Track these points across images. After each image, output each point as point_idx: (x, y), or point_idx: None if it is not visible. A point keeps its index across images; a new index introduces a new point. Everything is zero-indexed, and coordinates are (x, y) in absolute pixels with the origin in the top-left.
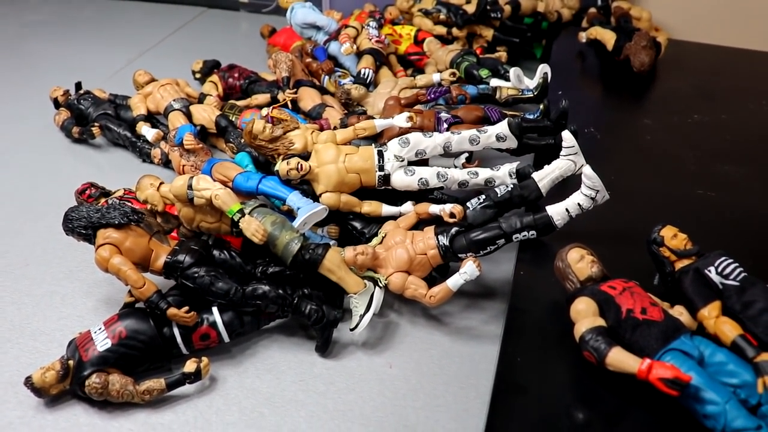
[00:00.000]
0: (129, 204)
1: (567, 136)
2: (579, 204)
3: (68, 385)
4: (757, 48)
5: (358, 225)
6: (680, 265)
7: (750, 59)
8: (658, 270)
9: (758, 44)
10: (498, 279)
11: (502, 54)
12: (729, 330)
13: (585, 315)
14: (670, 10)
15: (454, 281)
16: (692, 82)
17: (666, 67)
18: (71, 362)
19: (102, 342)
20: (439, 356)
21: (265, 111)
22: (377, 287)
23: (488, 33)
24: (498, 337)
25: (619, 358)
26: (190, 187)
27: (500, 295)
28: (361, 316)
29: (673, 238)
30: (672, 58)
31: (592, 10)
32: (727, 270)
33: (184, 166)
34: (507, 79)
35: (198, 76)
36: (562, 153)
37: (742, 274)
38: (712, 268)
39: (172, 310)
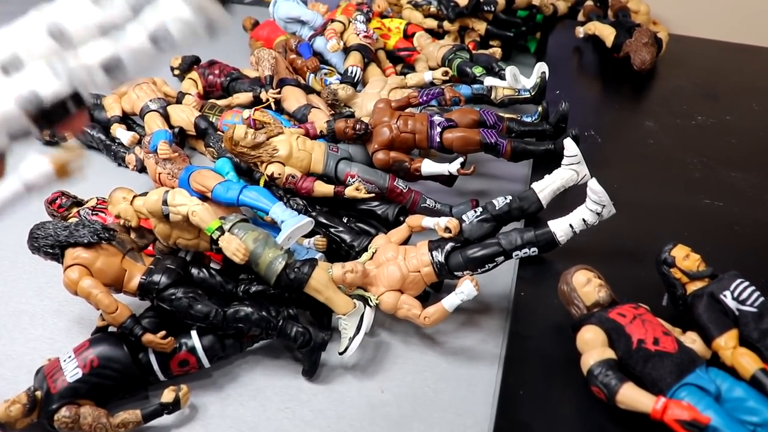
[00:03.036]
0: (99, 221)
1: (569, 145)
2: (584, 220)
3: (36, 418)
4: (759, 44)
5: (347, 238)
6: (693, 287)
7: (752, 56)
8: (668, 292)
9: (760, 40)
10: (495, 295)
11: (496, 50)
12: (748, 363)
13: (593, 346)
14: (669, 4)
15: (450, 301)
16: (694, 80)
17: (666, 64)
18: (39, 393)
19: (72, 372)
20: (433, 379)
21: (246, 113)
22: (367, 307)
23: (481, 27)
24: (496, 358)
25: (632, 396)
26: (165, 202)
27: (498, 312)
28: (351, 339)
29: (685, 258)
30: (672, 55)
31: (589, 3)
32: (744, 294)
33: (160, 174)
34: (502, 78)
35: (176, 72)
36: (564, 162)
37: (760, 299)
38: (727, 293)
39: (147, 336)
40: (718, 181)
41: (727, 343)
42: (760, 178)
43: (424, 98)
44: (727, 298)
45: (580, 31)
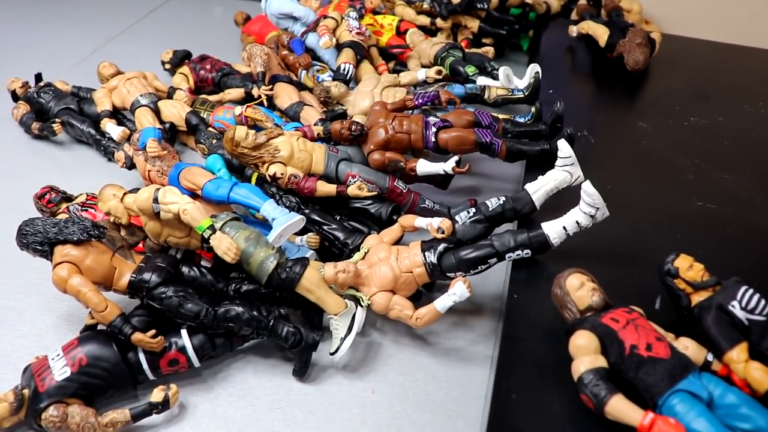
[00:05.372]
0: (89, 218)
1: (563, 146)
2: (577, 222)
3: (23, 416)
4: (751, 44)
5: (340, 236)
6: (698, 298)
7: (745, 56)
8: (673, 304)
9: (752, 41)
10: (488, 296)
11: (489, 49)
12: (761, 377)
13: (585, 352)
14: (662, 3)
15: (443, 303)
16: (686, 81)
17: (659, 64)
18: (26, 392)
19: (60, 370)
20: (425, 380)
21: (238, 110)
22: (359, 307)
23: (474, 24)
24: (488, 359)
25: (620, 409)
26: (155, 200)
27: (490, 313)
28: (342, 339)
29: (689, 269)
30: (665, 55)
31: (582, 2)
32: (752, 303)
33: (149, 171)
34: (494, 77)
35: (168, 66)
36: (557, 163)
37: None
38: (735, 303)
39: (137, 335)
40: (711, 184)
41: (739, 356)
42: (752, 180)
43: (420, 101)
44: (736, 308)
45: (574, 30)
